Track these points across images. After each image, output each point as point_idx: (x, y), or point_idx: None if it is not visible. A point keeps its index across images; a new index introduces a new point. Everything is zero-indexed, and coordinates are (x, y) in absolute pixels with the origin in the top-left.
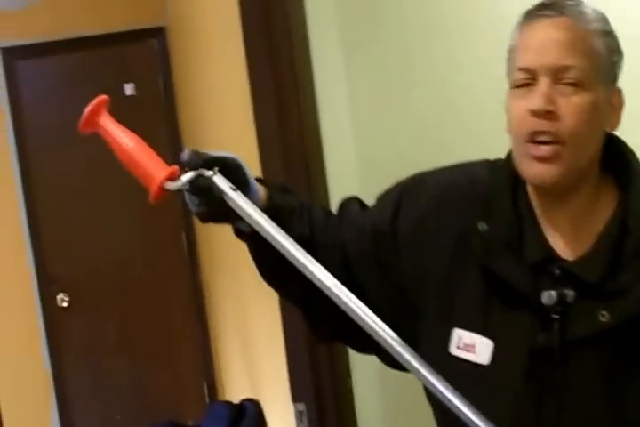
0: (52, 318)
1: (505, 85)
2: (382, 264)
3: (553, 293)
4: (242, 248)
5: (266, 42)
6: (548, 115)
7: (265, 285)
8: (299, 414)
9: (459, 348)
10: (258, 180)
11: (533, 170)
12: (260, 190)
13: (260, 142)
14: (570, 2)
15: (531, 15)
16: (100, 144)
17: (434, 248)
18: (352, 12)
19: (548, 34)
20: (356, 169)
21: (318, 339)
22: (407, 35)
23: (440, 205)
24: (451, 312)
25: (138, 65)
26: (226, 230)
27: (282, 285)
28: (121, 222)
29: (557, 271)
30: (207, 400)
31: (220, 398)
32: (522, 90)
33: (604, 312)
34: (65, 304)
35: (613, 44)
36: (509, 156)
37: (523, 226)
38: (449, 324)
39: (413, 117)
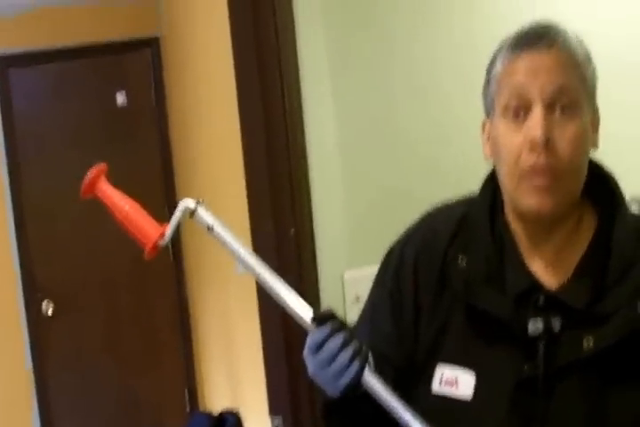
0: (37, 326)
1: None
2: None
3: (539, 322)
4: (228, 261)
5: (255, 57)
6: (546, 146)
7: (248, 298)
8: None
9: (441, 384)
10: None
11: (532, 200)
12: None
13: (247, 158)
14: (555, 31)
15: (518, 47)
16: (90, 153)
17: (424, 293)
18: (340, 34)
19: (540, 63)
20: (341, 189)
21: None
22: (393, 57)
23: (423, 252)
24: (435, 349)
25: (131, 75)
26: (211, 242)
27: None
28: (108, 232)
29: (541, 300)
30: (188, 408)
31: (201, 406)
32: (513, 121)
33: (588, 338)
34: (50, 312)
35: (594, 68)
36: (485, 187)
37: (503, 258)
38: (432, 361)
39: (400, 136)
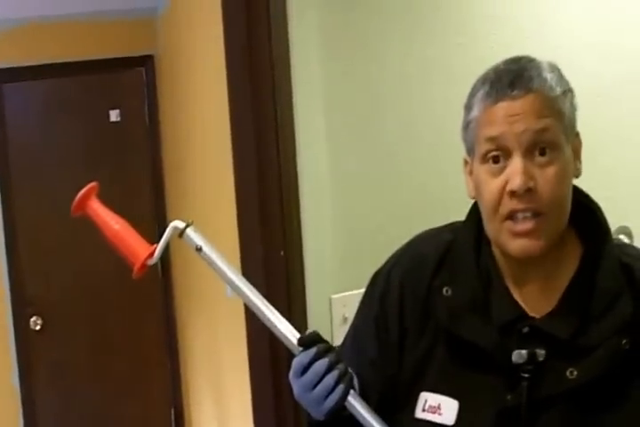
0: (25, 341)
1: None
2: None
3: (523, 352)
4: (217, 281)
5: (249, 78)
6: (527, 192)
7: (236, 319)
8: None
9: (424, 410)
10: None
11: (517, 245)
12: None
13: (238, 180)
14: (529, 72)
15: (493, 95)
16: (81, 170)
17: (410, 318)
18: (333, 57)
19: (517, 111)
20: (331, 216)
21: None
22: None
23: (410, 277)
24: (419, 376)
25: (125, 92)
26: (201, 262)
27: None
28: (98, 248)
29: (526, 329)
30: None
31: (187, 426)
32: (492, 167)
33: (571, 369)
34: (38, 327)
35: (573, 98)
36: (470, 217)
37: (488, 287)
38: (416, 388)
39: (392, 164)
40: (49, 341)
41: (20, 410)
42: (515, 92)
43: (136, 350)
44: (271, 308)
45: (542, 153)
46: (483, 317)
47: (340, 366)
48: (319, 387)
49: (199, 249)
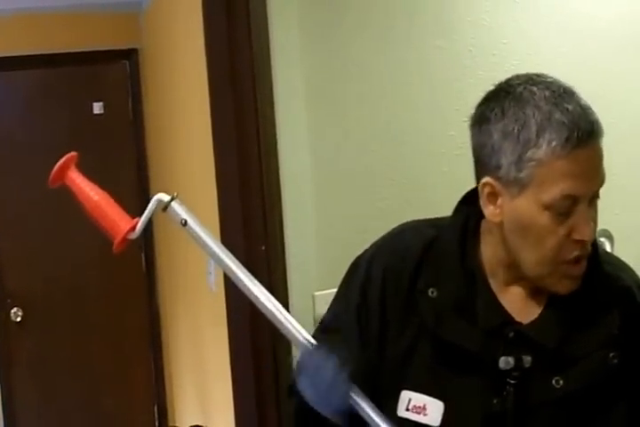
0: (5, 332)
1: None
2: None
3: (510, 358)
4: (199, 274)
5: (229, 74)
6: None
7: (219, 314)
8: None
9: (408, 410)
10: None
11: (565, 285)
12: None
13: (219, 175)
14: (591, 114)
15: (572, 142)
16: None
17: (391, 312)
18: (315, 57)
19: (593, 162)
20: (314, 213)
21: None
22: (368, 79)
23: (391, 271)
24: (402, 371)
25: (108, 85)
26: (184, 255)
27: None
28: (80, 240)
29: (511, 334)
30: (157, 424)
31: (170, 422)
32: (557, 215)
33: (557, 378)
34: (18, 319)
35: None
36: (456, 216)
37: (474, 290)
38: (399, 384)
39: (375, 161)
40: (30, 333)
41: (0, 402)
42: (592, 140)
43: (119, 345)
44: (255, 281)
45: (596, 196)
46: (468, 319)
47: (345, 367)
48: (325, 388)
49: (184, 223)
